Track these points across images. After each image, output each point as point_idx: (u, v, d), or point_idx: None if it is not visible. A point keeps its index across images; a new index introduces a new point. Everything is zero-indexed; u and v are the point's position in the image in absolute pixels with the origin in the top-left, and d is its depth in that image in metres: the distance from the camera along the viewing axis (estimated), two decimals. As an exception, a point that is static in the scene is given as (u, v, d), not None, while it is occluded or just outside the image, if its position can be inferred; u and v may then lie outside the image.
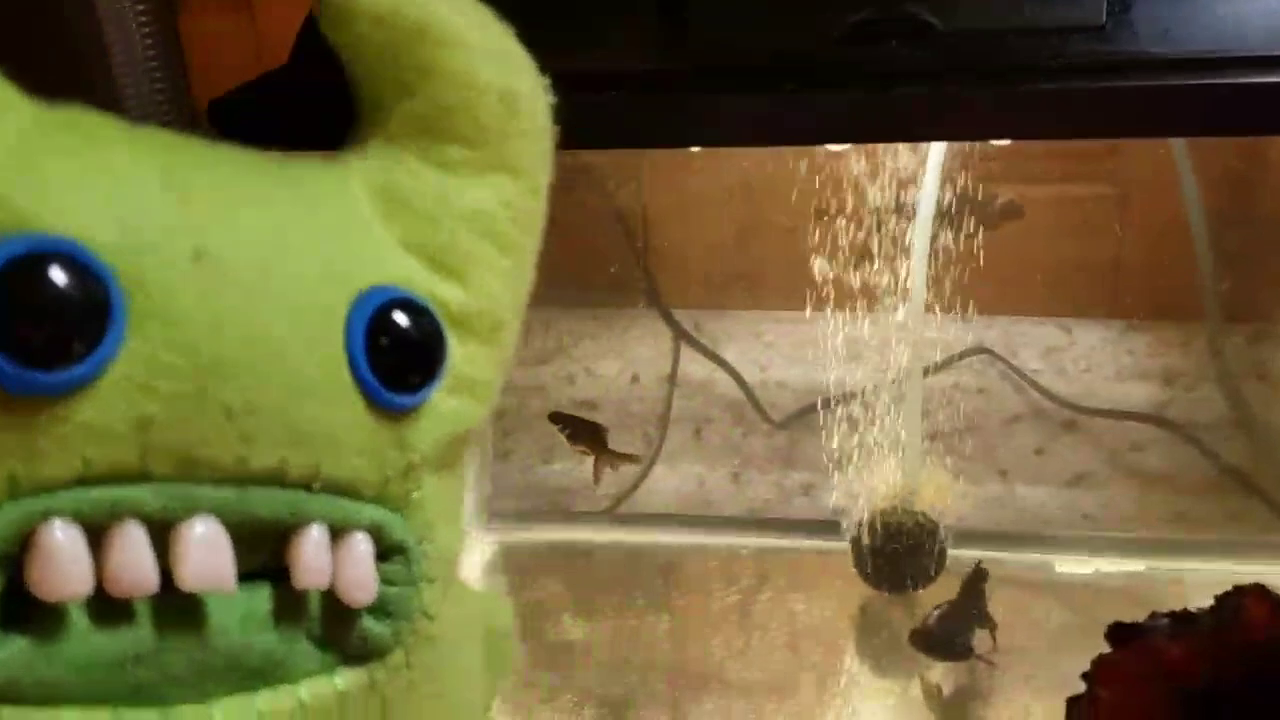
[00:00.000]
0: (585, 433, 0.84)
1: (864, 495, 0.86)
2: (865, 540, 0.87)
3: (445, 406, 0.37)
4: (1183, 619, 0.49)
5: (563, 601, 0.91)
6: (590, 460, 0.84)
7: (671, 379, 1.00)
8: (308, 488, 0.33)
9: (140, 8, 0.73)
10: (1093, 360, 0.95)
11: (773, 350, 1.00)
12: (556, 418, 0.86)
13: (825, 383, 0.85)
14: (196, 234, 0.31)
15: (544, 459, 1.02)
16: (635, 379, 1.02)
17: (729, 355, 1.00)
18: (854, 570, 0.88)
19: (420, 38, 0.37)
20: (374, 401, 0.34)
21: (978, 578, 0.81)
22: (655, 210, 0.97)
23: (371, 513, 0.35)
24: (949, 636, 0.78)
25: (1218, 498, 0.92)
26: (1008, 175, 0.81)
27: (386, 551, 0.36)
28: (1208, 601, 0.49)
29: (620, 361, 1.01)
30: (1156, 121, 0.53)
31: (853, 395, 0.84)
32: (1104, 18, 0.52)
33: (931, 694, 0.79)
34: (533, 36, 0.40)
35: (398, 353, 0.35)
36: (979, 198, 0.80)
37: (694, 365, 1.01)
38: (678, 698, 0.80)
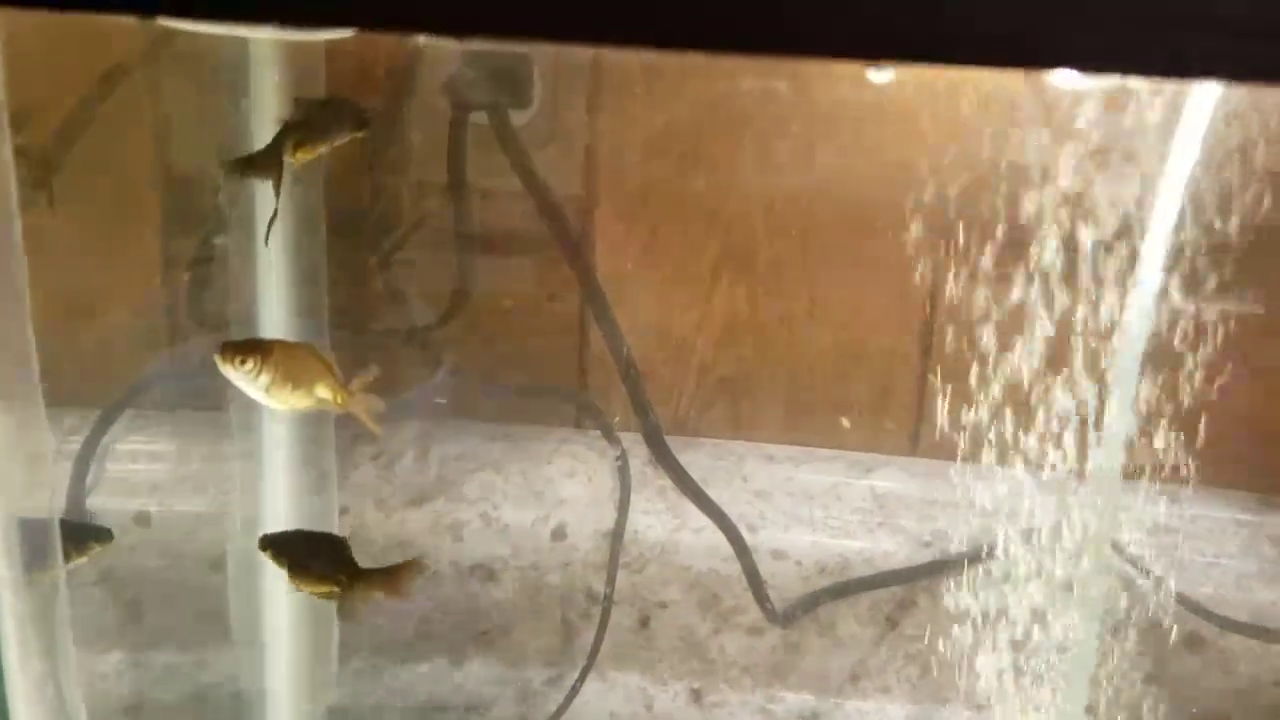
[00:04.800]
0: None
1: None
2: None
3: None
4: None
5: None
6: None
7: (615, 537, 0.82)
8: None
9: None
10: (1224, 548, 0.82)
11: (768, 502, 0.83)
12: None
13: (853, 556, 0.75)
14: None
15: (403, 655, 0.82)
16: (560, 534, 0.84)
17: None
18: None
19: None
20: None
21: None
22: (606, 280, 0.81)
23: None
24: None
25: None
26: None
27: None
28: None
29: (537, 507, 0.84)
30: None
31: (912, 576, 0.73)
32: None
33: None
34: None
35: None
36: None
37: (648, 518, 0.84)
38: None
